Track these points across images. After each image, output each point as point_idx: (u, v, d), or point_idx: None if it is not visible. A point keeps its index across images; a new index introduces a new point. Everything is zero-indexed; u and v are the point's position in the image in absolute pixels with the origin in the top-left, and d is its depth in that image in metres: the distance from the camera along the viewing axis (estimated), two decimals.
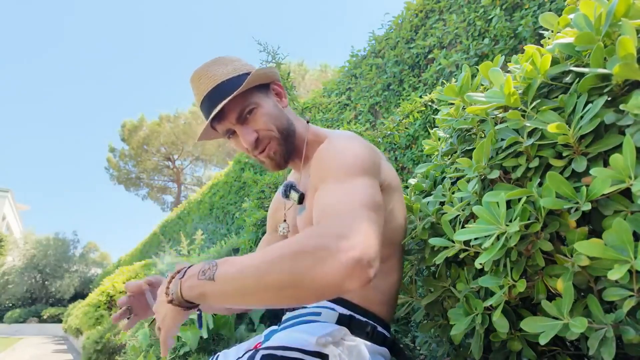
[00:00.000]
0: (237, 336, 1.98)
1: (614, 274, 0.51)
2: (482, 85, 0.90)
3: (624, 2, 0.62)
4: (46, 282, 21.04)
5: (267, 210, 2.22)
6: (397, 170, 3.15)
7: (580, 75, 0.67)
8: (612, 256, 0.53)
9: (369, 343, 0.80)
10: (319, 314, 0.84)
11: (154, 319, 0.80)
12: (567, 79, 0.71)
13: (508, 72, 0.79)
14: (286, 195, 0.97)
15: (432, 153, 1.06)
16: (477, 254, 0.71)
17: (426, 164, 1.08)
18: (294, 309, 0.90)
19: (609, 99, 0.62)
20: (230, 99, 0.84)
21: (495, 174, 0.73)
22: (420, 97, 3.01)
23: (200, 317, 0.88)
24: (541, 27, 2.43)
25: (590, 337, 0.56)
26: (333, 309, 0.84)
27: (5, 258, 20.14)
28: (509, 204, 0.67)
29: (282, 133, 0.91)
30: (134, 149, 22.54)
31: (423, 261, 0.93)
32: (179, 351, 1.98)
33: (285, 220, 1.02)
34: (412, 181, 1.12)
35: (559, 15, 0.80)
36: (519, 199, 0.64)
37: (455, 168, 0.91)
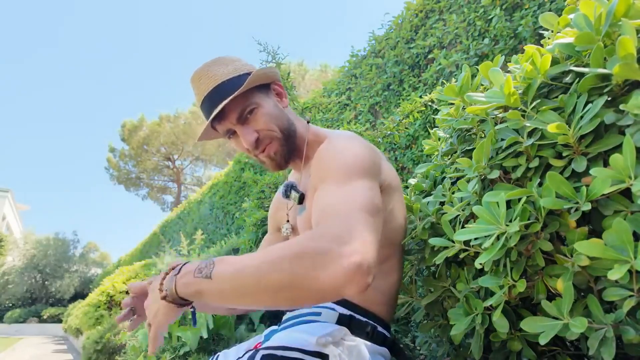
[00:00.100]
0: (237, 336, 1.98)
1: (614, 274, 0.51)
2: (482, 85, 0.90)
3: (624, 2, 0.62)
4: (46, 282, 21.04)
5: (267, 210, 2.22)
6: (397, 170, 3.15)
7: (580, 75, 0.67)
8: (612, 256, 0.53)
9: (369, 343, 0.80)
10: (319, 314, 0.84)
11: None
12: (567, 79, 0.71)
13: (508, 72, 0.79)
14: (286, 195, 0.97)
15: (432, 153, 1.06)
16: (477, 254, 0.71)
17: (426, 164, 1.08)
18: (293, 309, 0.90)
19: (609, 99, 0.62)
20: (230, 99, 0.84)
21: (495, 174, 0.73)
22: (420, 97, 3.01)
23: (194, 314, 0.87)
24: (541, 27, 2.43)
25: (590, 337, 0.56)
26: (333, 309, 0.84)
27: (5, 258, 20.14)
28: (509, 204, 0.67)
29: (283, 133, 0.91)
30: (134, 149, 22.54)
31: (423, 261, 0.93)
32: (179, 351, 1.98)
33: (288, 221, 1.02)
34: (412, 181, 1.12)
35: (559, 15, 0.80)
36: (519, 199, 0.64)
37: (455, 168, 0.91)
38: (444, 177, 0.99)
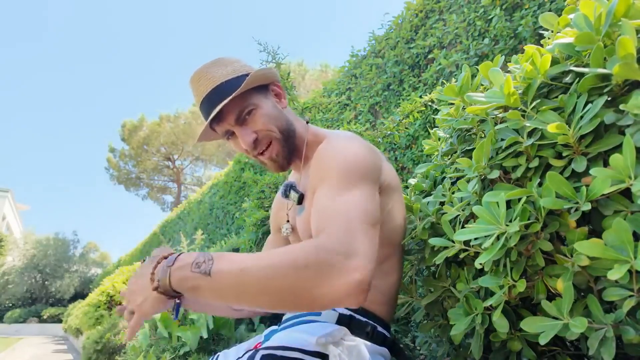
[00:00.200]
0: (237, 336, 1.98)
1: (614, 274, 0.51)
2: (482, 85, 0.90)
3: (624, 2, 0.62)
4: (46, 282, 21.04)
5: (267, 210, 2.22)
6: (397, 170, 3.15)
7: (580, 75, 0.67)
8: (612, 256, 0.53)
9: (369, 343, 0.80)
10: (319, 314, 0.84)
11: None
12: (567, 79, 0.71)
13: (508, 72, 0.79)
14: (286, 195, 0.97)
15: (432, 153, 1.06)
16: (477, 254, 0.71)
17: (426, 164, 1.08)
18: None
19: (609, 99, 0.62)
20: (229, 100, 0.84)
21: (495, 174, 0.73)
22: (420, 97, 3.01)
23: (178, 306, 0.87)
24: (541, 27, 2.43)
25: (590, 337, 0.56)
26: (333, 309, 0.84)
27: (5, 258, 20.14)
28: (509, 204, 0.67)
29: (283, 134, 0.91)
30: (134, 149, 22.54)
31: (423, 261, 0.93)
32: (179, 351, 1.98)
33: (288, 221, 1.02)
34: (412, 181, 1.12)
35: (559, 15, 0.80)
36: (519, 199, 0.64)
37: (455, 168, 0.91)
38: (444, 177, 0.99)
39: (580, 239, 0.59)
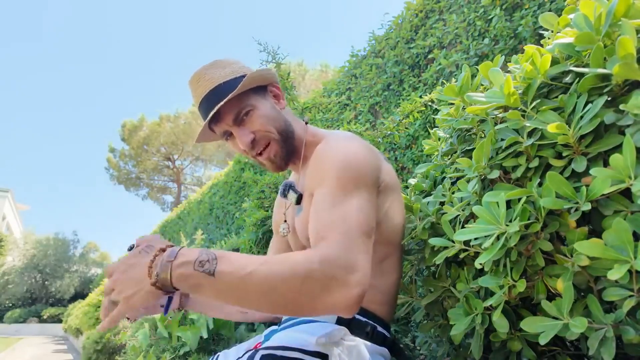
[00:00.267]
0: (237, 336, 1.98)
1: (614, 274, 0.51)
2: (482, 85, 0.90)
3: (624, 2, 0.62)
4: (46, 282, 21.05)
5: (267, 210, 2.22)
6: (397, 170, 3.15)
7: (580, 75, 0.67)
8: (612, 256, 0.53)
9: (368, 343, 0.80)
10: None
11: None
12: (567, 79, 0.71)
13: (508, 72, 0.79)
14: (284, 195, 0.98)
15: (432, 153, 1.06)
16: (477, 254, 0.71)
17: (426, 164, 1.08)
18: None
19: (609, 99, 0.62)
20: (226, 101, 0.84)
21: (495, 174, 0.73)
22: (420, 97, 3.01)
23: (169, 301, 0.86)
24: (541, 27, 2.43)
25: (590, 337, 0.56)
26: None
27: (5, 258, 20.15)
28: (509, 204, 0.67)
29: (281, 134, 0.91)
30: (134, 149, 22.54)
31: (423, 261, 0.93)
32: (179, 351, 1.98)
33: (285, 221, 1.02)
34: (412, 181, 1.12)
35: (559, 15, 0.80)
36: (519, 199, 0.64)
37: (455, 168, 0.91)
38: (444, 177, 0.99)
39: (580, 239, 0.59)
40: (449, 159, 1.00)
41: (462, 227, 0.77)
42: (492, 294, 0.69)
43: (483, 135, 0.83)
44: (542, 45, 0.81)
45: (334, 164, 0.78)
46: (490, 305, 0.69)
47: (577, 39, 0.66)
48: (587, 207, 0.58)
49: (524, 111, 0.71)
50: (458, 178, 0.87)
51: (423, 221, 0.92)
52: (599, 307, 0.57)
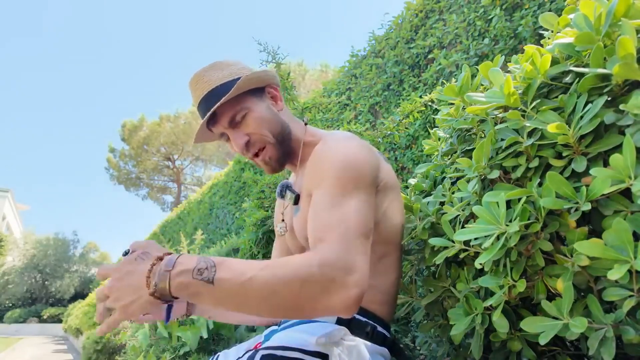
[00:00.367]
0: (237, 336, 1.98)
1: (614, 274, 0.51)
2: (482, 85, 0.90)
3: (624, 2, 0.62)
4: (46, 282, 21.05)
5: (267, 210, 2.22)
6: (397, 171, 3.15)
7: (580, 75, 0.67)
8: (612, 256, 0.53)
9: (368, 343, 0.80)
10: None
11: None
12: (567, 79, 0.71)
13: (508, 72, 0.79)
14: (281, 195, 0.98)
15: (432, 153, 1.06)
16: (477, 254, 0.71)
17: (426, 164, 1.08)
18: None
19: (609, 99, 0.62)
20: (222, 103, 0.85)
21: (495, 174, 0.73)
22: (420, 97, 3.01)
23: (170, 308, 0.86)
24: (541, 27, 2.43)
25: (590, 337, 0.56)
26: None
27: (5, 258, 20.16)
28: (509, 204, 0.67)
29: (277, 137, 0.91)
30: (134, 149, 22.54)
31: (423, 261, 0.93)
32: (179, 351, 1.98)
33: (283, 220, 1.02)
34: (412, 181, 1.12)
35: (559, 15, 0.80)
36: (519, 199, 0.64)
37: (455, 168, 0.91)
38: (444, 177, 0.99)
39: (580, 239, 0.59)
40: (449, 159, 1.00)
41: (462, 227, 0.77)
42: (492, 294, 0.69)
43: (483, 135, 0.83)
44: (542, 45, 0.81)
45: (333, 165, 0.78)
46: (490, 305, 0.69)
47: (577, 39, 0.66)
48: (587, 207, 0.58)
49: (524, 111, 0.71)
50: (458, 178, 0.87)
51: (423, 221, 0.92)
52: (599, 307, 0.57)
